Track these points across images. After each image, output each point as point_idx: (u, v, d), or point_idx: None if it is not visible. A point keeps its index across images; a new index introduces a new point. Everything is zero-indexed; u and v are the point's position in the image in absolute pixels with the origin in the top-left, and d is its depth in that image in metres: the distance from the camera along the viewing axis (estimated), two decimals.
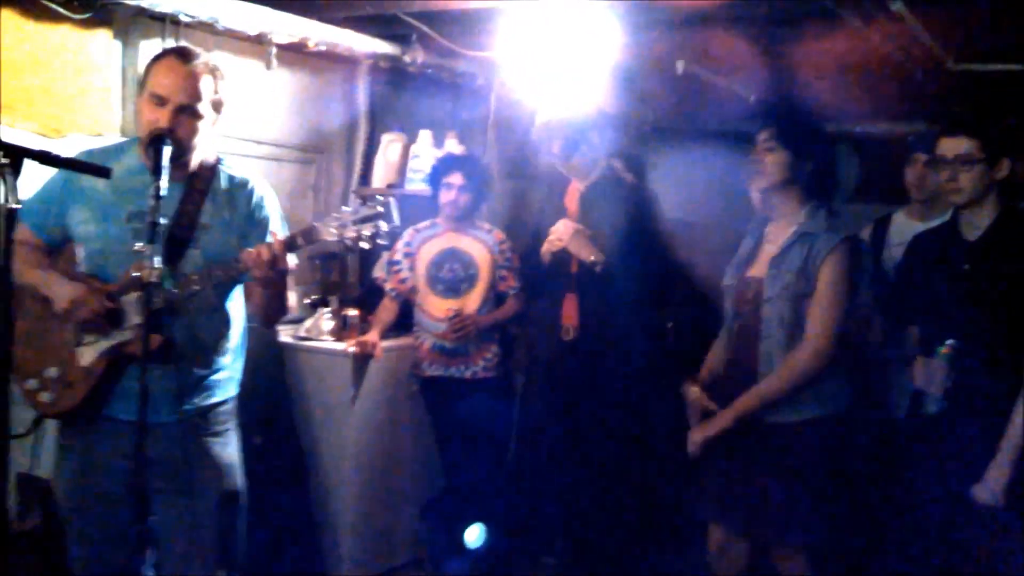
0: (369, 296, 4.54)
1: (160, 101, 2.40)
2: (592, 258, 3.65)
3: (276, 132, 4.57)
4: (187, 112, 2.42)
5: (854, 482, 3.06)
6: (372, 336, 4.07)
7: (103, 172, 2.02)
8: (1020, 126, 2.97)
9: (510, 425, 4.34)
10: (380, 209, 2.34)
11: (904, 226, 3.66)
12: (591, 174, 3.87)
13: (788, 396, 2.91)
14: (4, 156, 1.77)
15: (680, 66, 4.74)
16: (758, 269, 3.06)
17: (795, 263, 2.93)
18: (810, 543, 2.98)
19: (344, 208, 2.39)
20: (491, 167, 4.65)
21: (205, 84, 2.45)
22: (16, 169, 1.78)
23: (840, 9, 3.54)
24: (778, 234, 3.04)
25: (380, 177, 4.83)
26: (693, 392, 3.12)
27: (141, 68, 3.94)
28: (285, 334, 4.12)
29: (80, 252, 2.59)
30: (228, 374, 2.64)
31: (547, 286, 3.90)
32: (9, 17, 3.54)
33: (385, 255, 4.53)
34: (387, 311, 4.25)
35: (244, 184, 2.60)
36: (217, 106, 2.50)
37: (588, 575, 3.95)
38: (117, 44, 3.97)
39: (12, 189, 1.76)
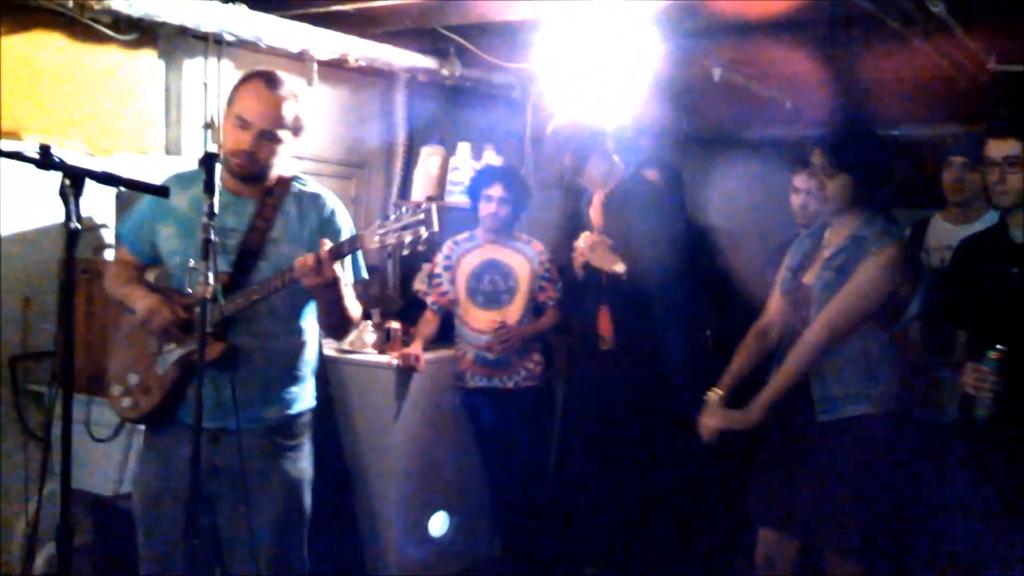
0: (410, 309, 4.57)
1: (244, 124, 2.49)
2: (616, 268, 3.64)
3: (317, 147, 4.63)
4: (268, 137, 2.50)
5: (903, 484, 3.04)
6: (416, 348, 4.09)
7: (162, 192, 2.07)
8: None
9: (551, 434, 4.34)
10: (421, 216, 2.35)
11: (942, 229, 3.64)
12: (608, 183, 3.85)
13: (800, 372, 2.94)
14: (66, 177, 1.82)
15: (717, 73, 4.75)
16: (812, 275, 3.07)
17: (840, 262, 2.97)
18: (860, 544, 2.96)
19: (387, 216, 2.42)
20: (529, 178, 4.67)
21: (288, 109, 2.52)
22: (78, 190, 1.83)
23: (881, 13, 3.53)
24: (834, 238, 3.05)
25: (420, 190, 4.87)
26: (713, 397, 3.13)
27: (185, 87, 4.08)
28: (328, 347, 4.15)
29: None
30: (302, 386, 2.69)
31: (584, 298, 3.90)
32: (59, 39, 3.63)
33: (425, 267, 4.56)
34: (428, 324, 4.28)
35: (316, 198, 2.67)
36: (297, 130, 2.57)
37: None
38: (161, 64, 4.05)
39: (75, 208, 1.81)
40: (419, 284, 4.57)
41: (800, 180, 3.81)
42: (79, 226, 1.82)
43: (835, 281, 2.95)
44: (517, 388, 4.09)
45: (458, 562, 4.39)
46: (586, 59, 4.28)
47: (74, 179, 1.83)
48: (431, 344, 4.27)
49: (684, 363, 3.72)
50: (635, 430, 3.75)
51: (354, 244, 2.46)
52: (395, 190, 5.07)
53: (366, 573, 4.08)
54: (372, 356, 4.17)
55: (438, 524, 4.15)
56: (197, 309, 2.47)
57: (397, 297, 4.90)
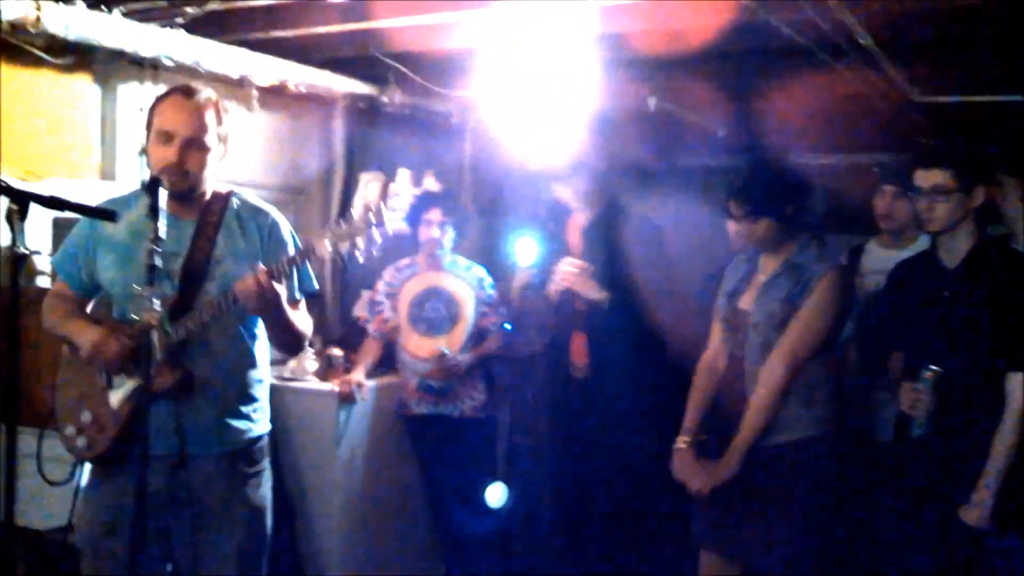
0: (350, 335, 4.54)
1: (167, 138, 2.44)
2: (598, 296, 3.64)
3: (255, 172, 4.58)
4: (194, 146, 2.44)
5: (841, 505, 3.10)
6: (357, 376, 4.06)
7: (109, 216, 2.04)
8: (992, 155, 3.06)
9: (495, 462, 4.33)
10: (372, 218, 2.34)
11: (877, 255, 3.75)
12: (595, 205, 3.85)
13: (772, 410, 2.96)
14: (12, 202, 1.78)
15: (652, 103, 4.85)
16: (747, 300, 3.11)
17: (783, 291, 3.00)
18: (800, 567, 3.01)
19: (337, 223, 2.40)
20: (468, 204, 4.69)
21: (210, 117, 2.48)
22: (23, 214, 1.79)
23: (811, 45, 3.64)
24: (769, 264, 3.10)
25: (359, 216, 4.85)
26: (682, 445, 3.15)
27: (120, 112, 4.01)
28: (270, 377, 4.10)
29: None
30: (259, 409, 2.65)
31: (555, 324, 3.86)
32: None
33: (365, 294, 4.54)
34: (370, 351, 4.25)
35: (256, 212, 2.63)
36: (224, 139, 2.53)
37: None
38: (96, 89, 3.98)
39: (20, 233, 1.77)
40: (360, 311, 4.54)
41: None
42: (26, 251, 1.77)
43: (780, 312, 2.98)
44: (463, 417, 4.08)
45: None
46: (523, 87, 4.32)
47: (20, 203, 1.78)
48: (373, 371, 4.24)
49: (656, 389, 3.66)
50: (603, 455, 3.73)
51: (306, 254, 2.43)
52: (333, 216, 5.04)
53: None
54: (314, 384, 4.13)
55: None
56: (145, 339, 2.44)
57: (337, 323, 4.86)
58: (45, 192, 1.87)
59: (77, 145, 3.92)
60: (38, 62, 3.67)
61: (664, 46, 3.95)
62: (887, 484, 3.16)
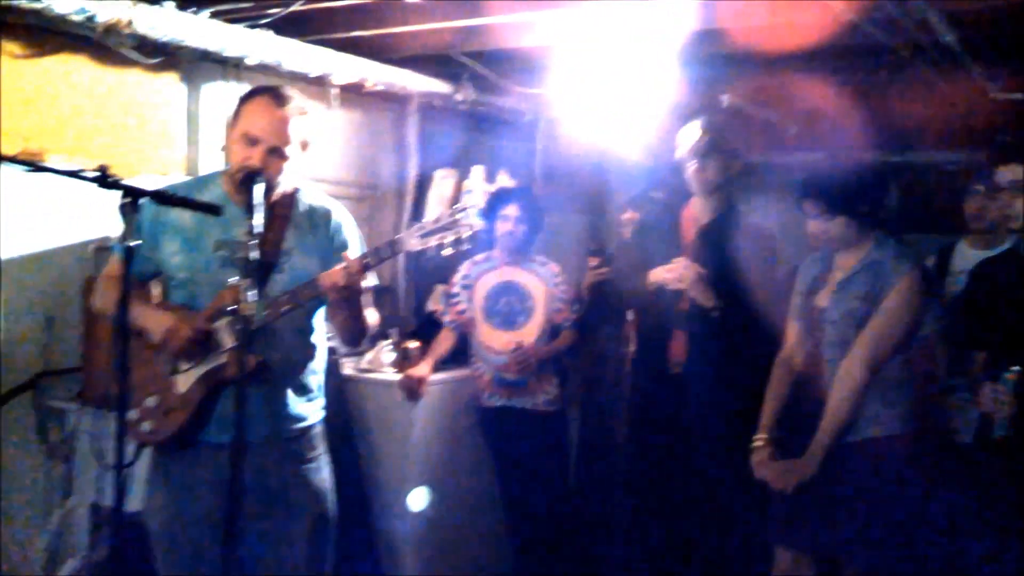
0: (424, 329, 4.61)
1: (251, 141, 2.48)
2: (710, 304, 3.53)
3: (330, 170, 4.68)
4: (277, 154, 2.49)
5: (920, 505, 3.08)
6: (422, 370, 4.11)
7: (214, 210, 2.11)
8: None
9: (567, 457, 4.36)
10: (462, 216, 2.36)
11: (967, 255, 3.70)
12: (717, 205, 3.70)
13: (853, 408, 2.95)
14: (124, 196, 1.87)
15: (724, 100, 4.84)
16: (824, 297, 3.11)
17: (862, 289, 2.99)
18: (877, 565, 3.00)
19: (425, 219, 2.43)
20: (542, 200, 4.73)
21: (295, 127, 2.52)
22: (135, 207, 1.88)
23: (892, 43, 3.61)
24: (847, 262, 3.09)
25: (432, 213, 4.91)
26: (759, 443, 3.15)
27: (204, 110, 4.13)
28: (347, 366, 4.19)
29: (158, 287, 2.71)
30: (317, 397, 2.70)
31: (655, 318, 3.76)
32: (84, 62, 3.69)
33: (439, 288, 4.61)
34: (443, 343, 4.31)
35: (324, 211, 2.68)
36: (304, 146, 2.57)
37: None
38: (183, 88, 4.10)
39: (132, 226, 1.86)
40: (434, 304, 4.61)
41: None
42: (138, 242, 1.86)
43: (860, 310, 2.97)
44: (536, 410, 4.13)
45: None
46: (599, 86, 4.35)
47: (132, 197, 1.87)
48: (445, 363, 4.31)
49: (752, 391, 3.50)
50: (696, 453, 3.67)
51: (395, 248, 2.46)
52: (407, 213, 5.12)
53: None
54: (390, 375, 4.21)
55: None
56: (216, 324, 2.50)
57: (411, 317, 4.94)
58: (152, 187, 1.95)
59: (164, 142, 4.05)
60: (128, 63, 3.79)
61: (746, 45, 3.95)
62: (967, 485, 3.13)
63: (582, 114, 4.73)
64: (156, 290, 2.74)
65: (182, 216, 2.54)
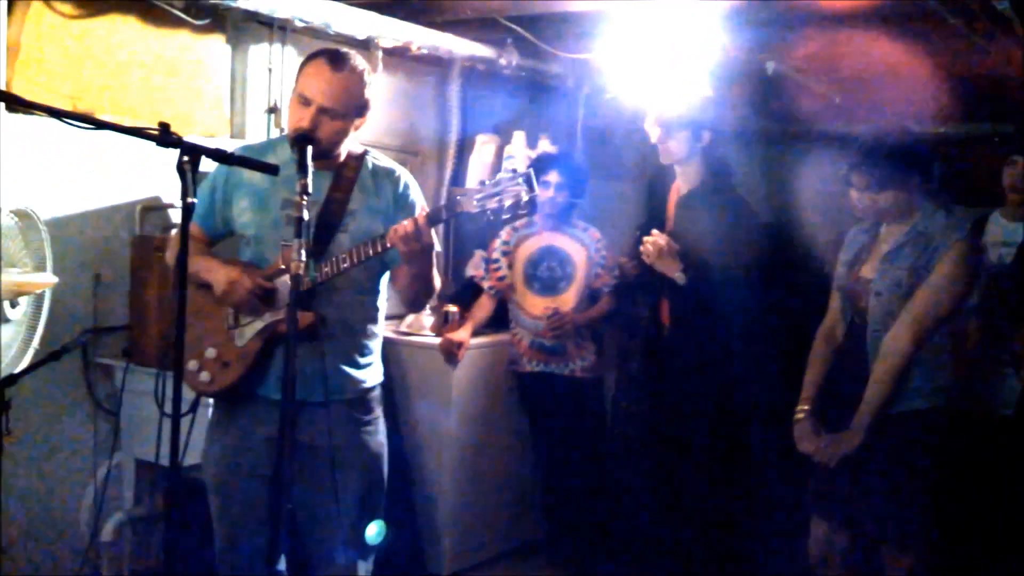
0: (463, 294, 4.63)
1: (305, 101, 2.50)
2: (676, 275, 3.64)
3: (373, 133, 4.68)
4: (328, 114, 2.50)
5: (961, 479, 3.08)
6: (461, 335, 4.14)
7: (272, 169, 2.14)
8: None
9: (603, 423, 4.39)
10: (520, 180, 2.36)
11: (1001, 227, 3.68)
12: (687, 161, 3.82)
13: (897, 380, 2.94)
14: (183, 154, 1.89)
15: (770, 67, 4.78)
16: (869, 269, 3.09)
17: (908, 260, 2.97)
18: (918, 538, 3.00)
19: (483, 182, 2.43)
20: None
21: (351, 89, 2.53)
22: (195, 165, 1.90)
23: (945, 10, 3.55)
24: (893, 232, 3.07)
25: (474, 177, 4.93)
26: (800, 415, 3.16)
27: (250, 72, 4.15)
28: (387, 329, 4.22)
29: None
30: (375, 360, 2.74)
31: (646, 287, 3.94)
32: (134, 23, 3.71)
33: (478, 253, 4.63)
34: (483, 308, 4.34)
35: (390, 173, 2.71)
36: (362, 109, 2.59)
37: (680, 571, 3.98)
38: (228, 49, 4.12)
39: (192, 184, 1.89)
40: (473, 269, 4.64)
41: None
42: (194, 200, 1.89)
43: (908, 281, 2.95)
44: (572, 376, 4.15)
45: (507, 541, 4.46)
46: (645, 50, 4.31)
47: (192, 156, 1.89)
48: (485, 328, 4.33)
49: (743, 368, 3.72)
50: (689, 416, 3.79)
51: (453, 209, 2.46)
52: (447, 178, 5.13)
53: (421, 548, 4.16)
54: (430, 339, 4.25)
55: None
56: (279, 280, 2.55)
57: (451, 282, 4.97)
58: (211, 146, 1.97)
59: (210, 104, 4.08)
60: (175, 24, 3.81)
61: (797, 7, 3.90)
62: (1007, 458, 3.13)
63: (626, 79, 4.69)
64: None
65: (253, 176, 2.58)
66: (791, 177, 5.15)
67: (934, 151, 3.15)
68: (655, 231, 3.72)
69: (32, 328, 3.00)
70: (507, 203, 2.37)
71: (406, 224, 2.41)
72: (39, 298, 3.02)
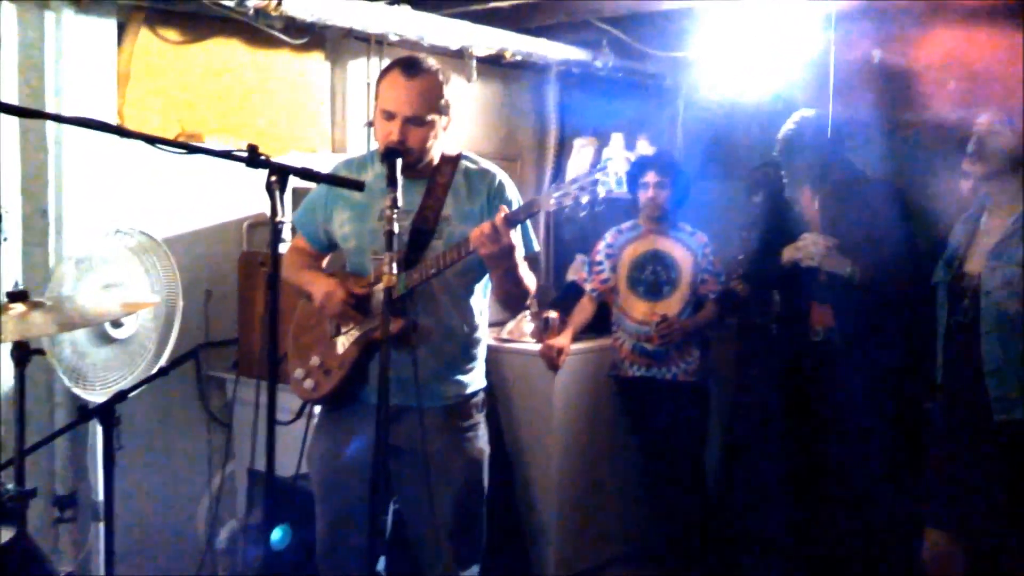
0: (564, 299, 4.61)
1: (389, 116, 2.53)
2: (847, 271, 3.52)
3: (471, 142, 4.73)
4: (414, 123, 2.53)
5: None
6: (562, 340, 4.11)
7: (358, 185, 2.17)
8: None
9: (706, 429, 4.29)
10: (598, 176, 2.32)
11: None
12: (826, 178, 3.73)
13: None
14: (272, 174, 1.94)
15: (876, 55, 4.62)
16: (974, 264, 2.95)
17: (1019, 254, 2.81)
18: None
19: (561, 181, 2.43)
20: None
21: (429, 91, 2.55)
22: (283, 185, 1.94)
23: None
24: (996, 224, 2.92)
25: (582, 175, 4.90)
26: None
27: (349, 88, 4.24)
28: (488, 336, 4.24)
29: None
30: (476, 366, 2.74)
31: (792, 291, 3.82)
32: (237, 45, 3.84)
33: (579, 257, 4.60)
34: (584, 311, 4.30)
35: (484, 174, 2.70)
36: (445, 109, 2.60)
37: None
38: (327, 66, 4.22)
39: (280, 203, 1.93)
40: (574, 274, 4.61)
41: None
42: (284, 220, 1.92)
43: (1022, 278, 2.79)
44: (675, 381, 4.08)
45: (612, 548, 4.43)
46: (743, 47, 4.23)
47: (279, 175, 1.93)
48: (586, 333, 4.31)
49: (899, 357, 3.58)
50: (837, 419, 3.66)
51: (531, 208, 2.45)
52: (547, 182, 5.13)
53: (526, 553, 4.16)
54: (531, 345, 4.25)
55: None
56: (375, 289, 2.60)
57: (551, 288, 4.96)
58: (298, 165, 2.01)
59: (311, 120, 4.18)
60: (275, 43, 3.92)
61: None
62: None
63: (725, 77, 4.61)
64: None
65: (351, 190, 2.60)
66: (911, 171, 4.96)
67: None
68: (807, 234, 3.61)
69: (162, 343, 3.19)
70: (584, 200, 2.34)
71: (484, 227, 2.39)
72: (169, 316, 3.19)
